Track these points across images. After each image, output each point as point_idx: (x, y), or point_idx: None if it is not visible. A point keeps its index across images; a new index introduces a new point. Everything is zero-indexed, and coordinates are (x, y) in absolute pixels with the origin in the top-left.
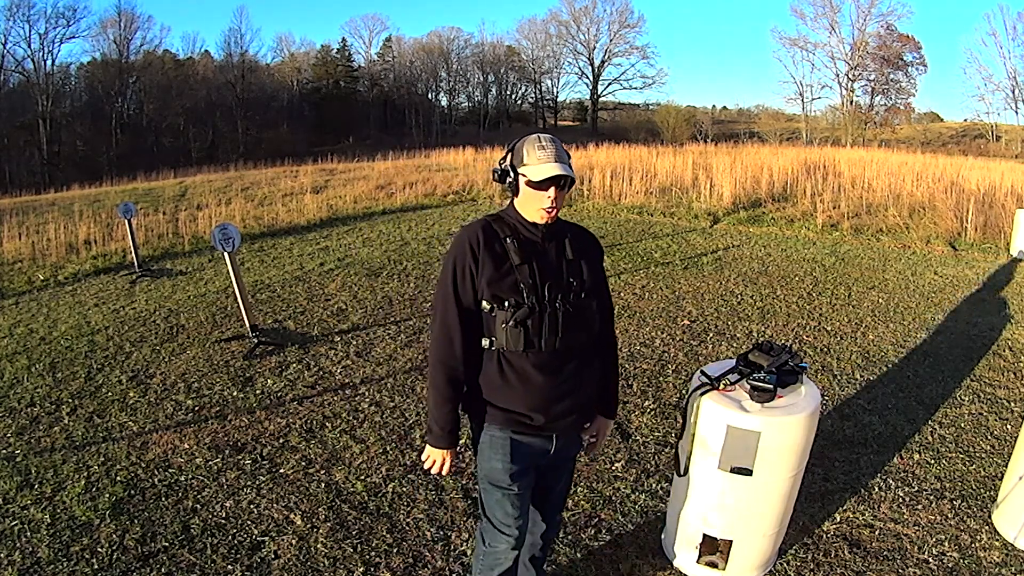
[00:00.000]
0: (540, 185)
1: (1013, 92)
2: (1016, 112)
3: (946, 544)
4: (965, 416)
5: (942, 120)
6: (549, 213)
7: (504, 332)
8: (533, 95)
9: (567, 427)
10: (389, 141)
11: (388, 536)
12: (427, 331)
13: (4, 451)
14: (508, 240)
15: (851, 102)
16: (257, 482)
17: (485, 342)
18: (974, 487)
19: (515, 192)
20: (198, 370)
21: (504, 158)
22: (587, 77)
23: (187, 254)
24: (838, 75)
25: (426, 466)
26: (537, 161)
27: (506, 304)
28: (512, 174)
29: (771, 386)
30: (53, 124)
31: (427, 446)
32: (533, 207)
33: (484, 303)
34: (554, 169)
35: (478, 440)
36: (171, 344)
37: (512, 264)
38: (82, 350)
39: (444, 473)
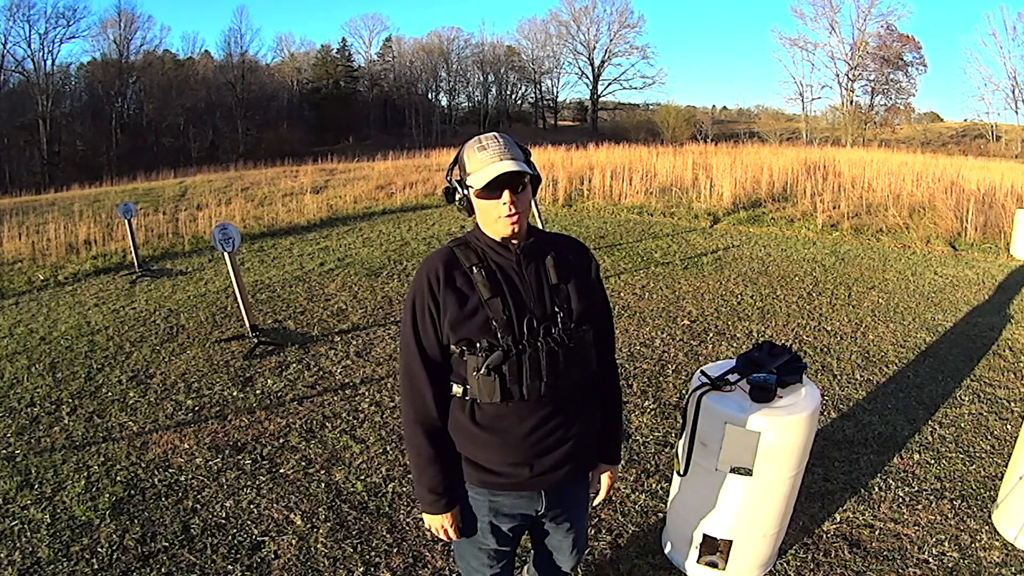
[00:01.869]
0: (488, 192)
1: (1013, 92)
2: (1016, 112)
3: (946, 544)
4: (965, 416)
5: (942, 120)
6: (512, 222)
7: (476, 380)
8: (533, 95)
9: (557, 481)
10: (389, 141)
11: (388, 536)
12: None
13: (4, 451)
14: (474, 270)
15: (851, 102)
16: (257, 482)
17: (457, 389)
18: (974, 487)
19: (470, 211)
20: (198, 370)
21: (449, 172)
22: (587, 77)
23: (187, 254)
24: (838, 75)
25: (432, 534)
26: (480, 164)
27: (476, 347)
28: (461, 189)
29: (771, 386)
30: (53, 124)
31: (424, 515)
32: (493, 221)
33: (452, 347)
34: (500, 167)
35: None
36: (171, 344)
37: (480, 299)
38: (82, 350)
39: (454, 538)
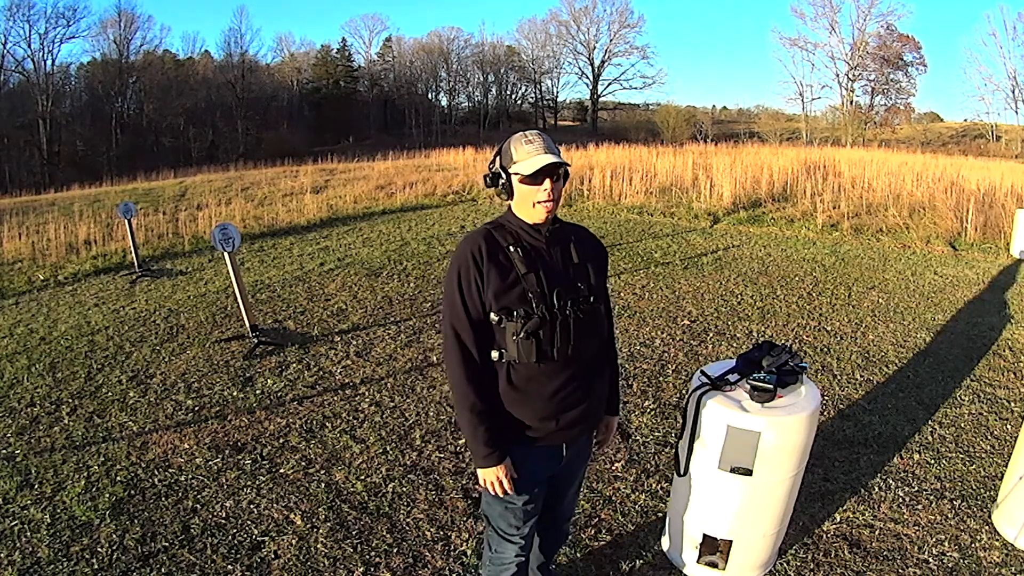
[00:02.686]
0: (534, 179)
1: (1013, 92)
2: (1016, 112)
3: (946, 544)
4: (965, 416)
5: (942, 120)
6: (547, 208)
7: (515, 344)
8: (533, 95)
9: (577, 436)
10: (389, 141)
11: (388, 536)
12: (427, 331)
13: (4, 451)
14: (512, 248)
15: (851, 102)
16: (257, 482)
17: (495, 354)
18: (974, 487)
19: (510, 194)
20: (198, 370)
21: (493, 161)
22: (587, 77)
23: (187, 254)
24: (838, 75)
25: (491, 489)
26: (527, 155)
27: (515, 315)
28: (504, 175)
29: (771, 386)
30: (53, 124)
31: (478, 471)
32: (530, 205)
33: (492, 315)
34: (546, 159)
35: None
36: (171, 344)
37: (518, 273)
38: (82, 350)
39: (509, 491)
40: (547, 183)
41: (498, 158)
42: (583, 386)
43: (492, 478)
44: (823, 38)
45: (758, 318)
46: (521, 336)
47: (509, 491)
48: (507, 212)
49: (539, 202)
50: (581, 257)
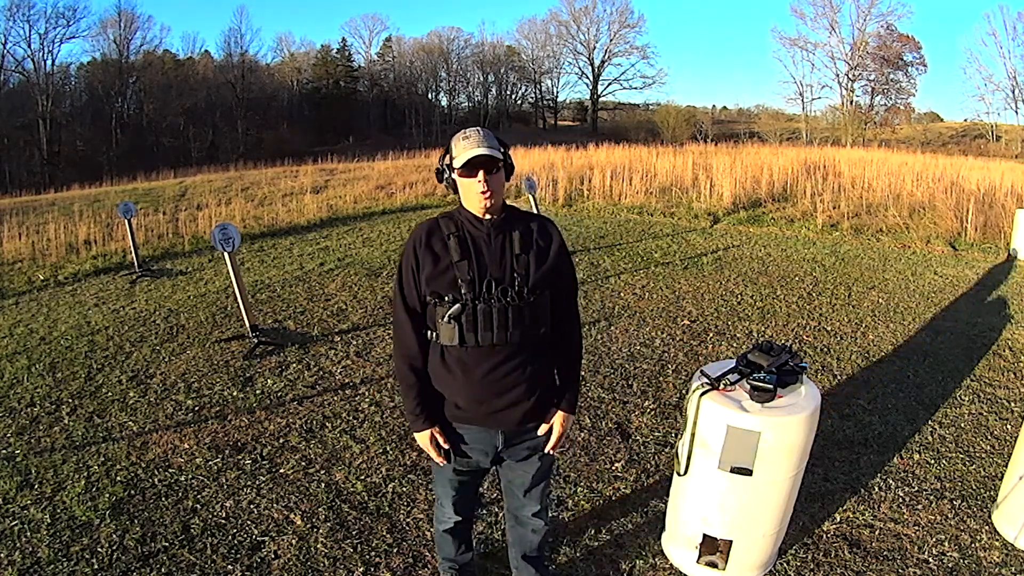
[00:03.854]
0: (467, 171)
1: (1013, 92)
2: (1016, 112)
3: (946, 544)
4: (965, 416)
5: (942, 120)
6: (485, 198)
7: (442, 326)
8: (533, 95)
9: (512, 422)
10: (389, 141)
11: (388, 536)
12: None
13: (4, 451)
14: (451, 237)
15: (851, 102)
16: (257, 482)
17: (430, 334)
18: (974, 487)
19: (455, 189)
20: (198, 370)
21: (441, 159)
22: (587, 77)
23: (187, 254)
24: (838, 75)
25: (429, 455)
26: (462, 150)
27: (444, 300)
28: (448, 172)
29: (771, 386)
30: (53, 124)
31: (415, 436)
32: (471, 197)
33: (427, 298)
34: (475, 151)
35: None
36: (171, 344)
37: (451, 261)
38: (82, 350)
39: (444, 446)
40: (481, 175)
41: (446, 156)
42: (515, 373)
43: (426, 442)
44: (823, 38)
45: (758, 318)
46: (444, 320)
47: (440, 459)
48: (459, 204)
49: (476, 192)
50: (523, 248)
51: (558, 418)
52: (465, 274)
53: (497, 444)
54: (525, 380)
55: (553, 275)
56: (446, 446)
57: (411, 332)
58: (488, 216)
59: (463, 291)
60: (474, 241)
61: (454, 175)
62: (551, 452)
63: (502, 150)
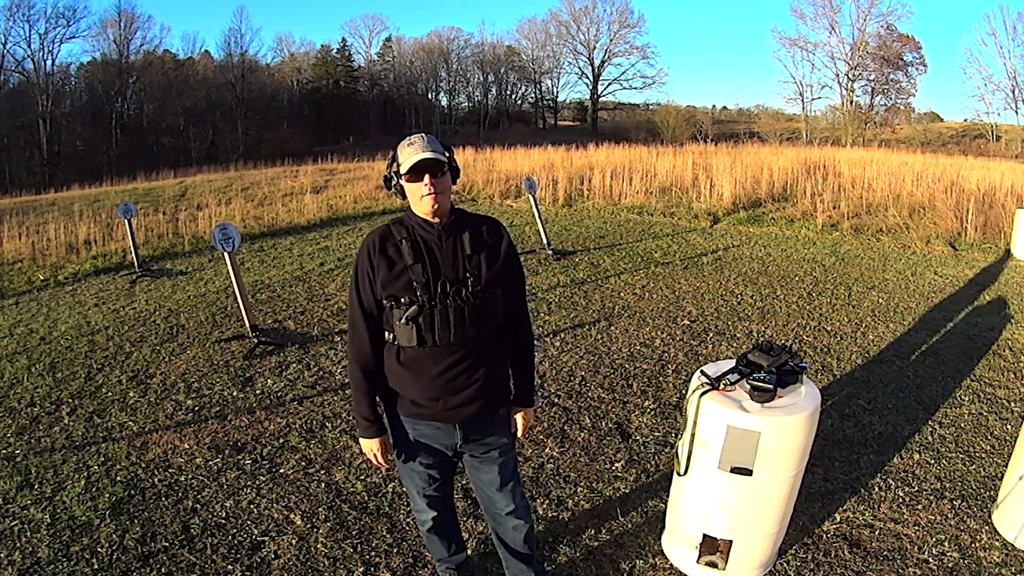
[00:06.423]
0: (414, 176)
1: (1013, 92)
2: (1016, 112)
3: (946, 544)
4: (965, 416)
5: (942, 120)
6: (432, 200)
7: (399, 328)
8: (533, 95)
9: (468, 418)
10: (389, 141)
11: (388, 536)
12: None
13: (4, 451)
14: (403, 242)
15: (851, 102)
16: (257, 482)
17: (388, 336)
18: (974, 487)
19: (403, 195)
20: (198, 370)
21: (388, 167)
22: (587, 77)
23: (187, 254)
24: (838, 75)
25: (368, 458)
26: (407, 156)
27: (400, 302)
28: (395, 178)
29: (771, 386)
30: (53, 124)
31: (360, 440)
32: (418, 200)
33: (384, 301)
34: (419, 155)
35: (391, 424)
36: (171, 344)
37: (406, 264)
38: (82, 350)
39: (383, 463)
40: (427, 178)
41: (393, 164)
42: (470, 370)
43: (368, 449)
44: (823, 38)
45: (758, 318)
46: (402, 321)
47: (382, 463)
48: (408, 209)
49: (423, 196)
50: (474, 248)
51: (519, 416)
52: (420, 276)
53: (456, 441)
54: (482, 376)
55: (505, 273)
56: (385, 464)
57: (367, 337)
58: (437, 219)
59: (418, 293)
60: (426, 244)
61: (402, 181)
62: (519, 437)
63: (447, 154)
